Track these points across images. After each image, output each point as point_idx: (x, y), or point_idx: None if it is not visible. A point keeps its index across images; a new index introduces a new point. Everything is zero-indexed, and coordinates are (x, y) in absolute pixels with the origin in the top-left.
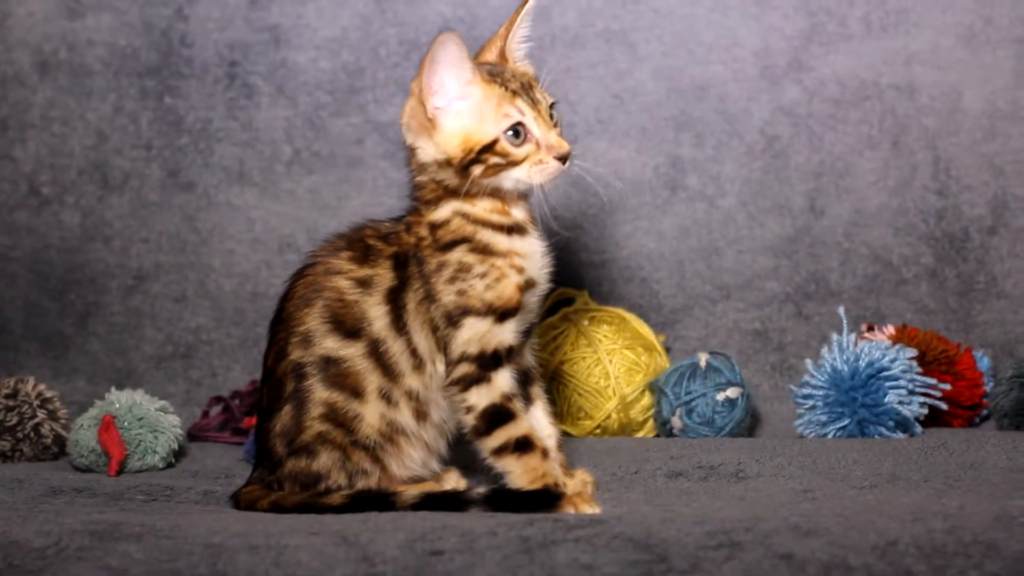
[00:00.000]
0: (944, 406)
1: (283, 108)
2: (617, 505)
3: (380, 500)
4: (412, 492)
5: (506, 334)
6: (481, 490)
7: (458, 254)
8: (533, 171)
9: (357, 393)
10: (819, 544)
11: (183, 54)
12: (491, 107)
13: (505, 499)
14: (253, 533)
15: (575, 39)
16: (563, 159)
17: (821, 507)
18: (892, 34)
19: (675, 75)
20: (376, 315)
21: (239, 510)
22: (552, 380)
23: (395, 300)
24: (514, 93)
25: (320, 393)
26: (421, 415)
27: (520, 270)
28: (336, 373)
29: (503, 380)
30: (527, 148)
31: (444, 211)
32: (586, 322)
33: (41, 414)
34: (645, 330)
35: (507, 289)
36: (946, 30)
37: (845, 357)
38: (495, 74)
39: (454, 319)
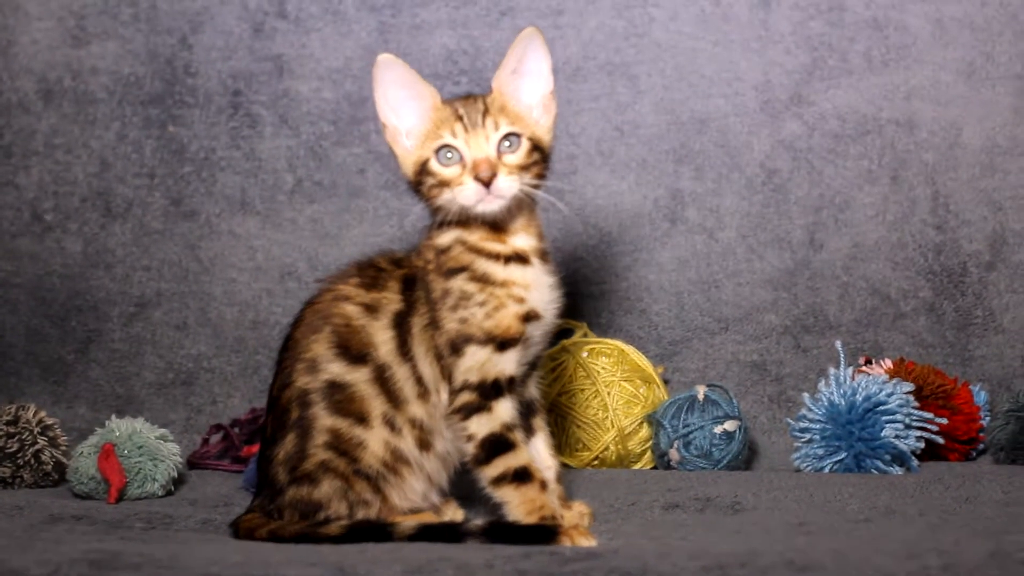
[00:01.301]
0: (941, 440)
1: (286, 137)
2: (614, 538)
3: (378, 531)
4: (409, 523)
5: (507, 364)
6: (479, 522)
7: (459, 282)
8: (457, 192)
9: (362, 419)
10: None
11: (187, 83)
12: (430, 131)
13: (502, 532)
14: (251, 563)
15: (577, 72)
16: (483, 181)
17: (816, 541)
18: (893, 69)
19: (676, 108)
20: (382, 339)
21: (238, 538)
22: (551, 411)
23: (401, 324)
24: (457, 118)
25: (325, 420)
26: (425, 444)
27: (520, 300)
28: (341, 399)
29: (504, 410)
30: (453, 170)
31: (447, 237)
32: (585, 354)
33: (42, 441)
34: (644, 362)
35: (505, 318)
36: (946, 66)
37: (842, 391)
38: (450, 101)
39: (457, 347)
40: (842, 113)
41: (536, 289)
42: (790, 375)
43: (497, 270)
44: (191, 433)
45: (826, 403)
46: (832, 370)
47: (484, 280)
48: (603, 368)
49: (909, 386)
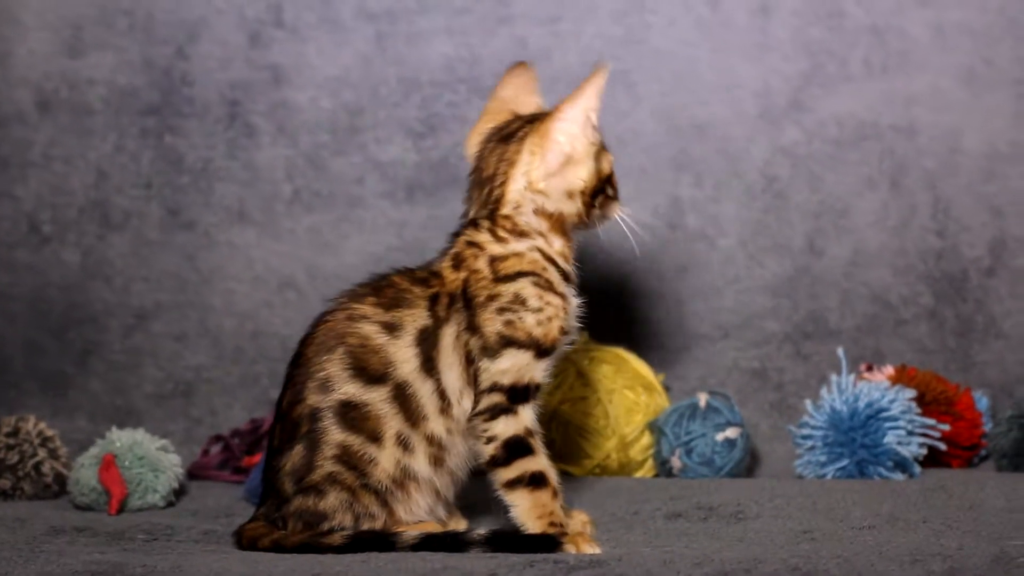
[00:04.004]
0: (943, 446)
1: (283, 147)
2: (617, 546)
3: (381, 540)
4: (412, 532)
5: (539, 371)
6: (481, 531)
7: (518, 285)
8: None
9: (375, 438)
10: None
11: (184, 93)
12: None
13: (506, 540)
14: (254, 574)
15: (576, 80)
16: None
17: (820, 548)
18: (892, 75)
19: (675, 115)
20: (405, 358)
21: (241, 547)
22: (551, 420)
23: (427, 340)
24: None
25: (335, 435)
26: (437, 461)
27: (566, 314)
28: (354, 417)
29: (528, 415)
30: None
31: (521, 245)
32: (586, 362)
33: (42, 453)
34: (645, 370)
35: (553, 329)
36: (946, 71)
37: (844, 398)
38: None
39: (494, 349)
40: (842, 119)
41: (571, 307)
42: (791, 382)
43: (560, 282)
44: (191, 444)
45: (828, 410)
46: (834, 377)
47: (548, 288)
48: (604, 376)
49: (911, 392)
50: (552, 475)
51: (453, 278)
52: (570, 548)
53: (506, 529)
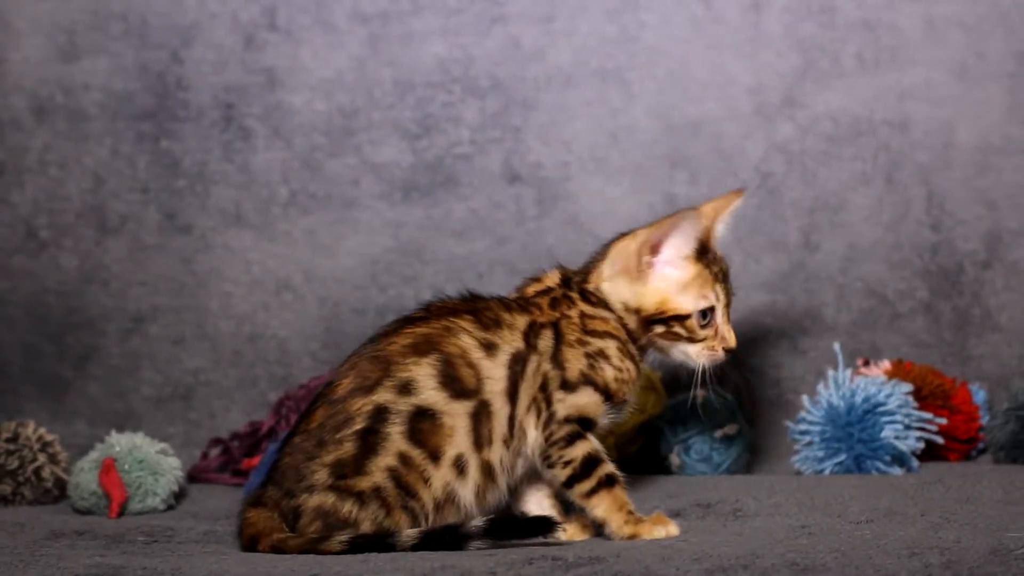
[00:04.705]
0: (940, 440)
1: (279, 150)
2: (615, 543)
3: (379, 543)
4: (411, 532)
5: (602, 413)
6: (479, 522)
7: (604, 343)
8: (703, 352)
9: (435, 456)
10: None
11: (179, 97)
12: (696, 286)
13: (504, 527)
14: (254, 575)
15: (569, 78)
16: (728, 351)
17: (818, 543)
18: (885, 70)
19: (669, 113)
20: (496, 377)
21: (241, 538)
22: None
23: (516, 364)
24: (715, 278)
25: (399, 443)
26: (480, 494)
27: (634, 386)
28: (424, 428)
29: (593, 438)
30: (707, 331)
31: (606, 313)
32: None
33: (42, 457)
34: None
35: (623, 389)
36: (939, 66)
37: (841, 393)
38: (705, 255)
39: (573, 384)
40: (835, 115)
41: (632, 393)
42: (788, 378)
43: (637, 358)
44: (190, 447)
45: (825, 405)
46: (830, 372)
47: (628, 355)
48: None
49: (908, 386)
50: (618, 474)
51: (549, 314)
52: (560, 535)
53: (501, 517)
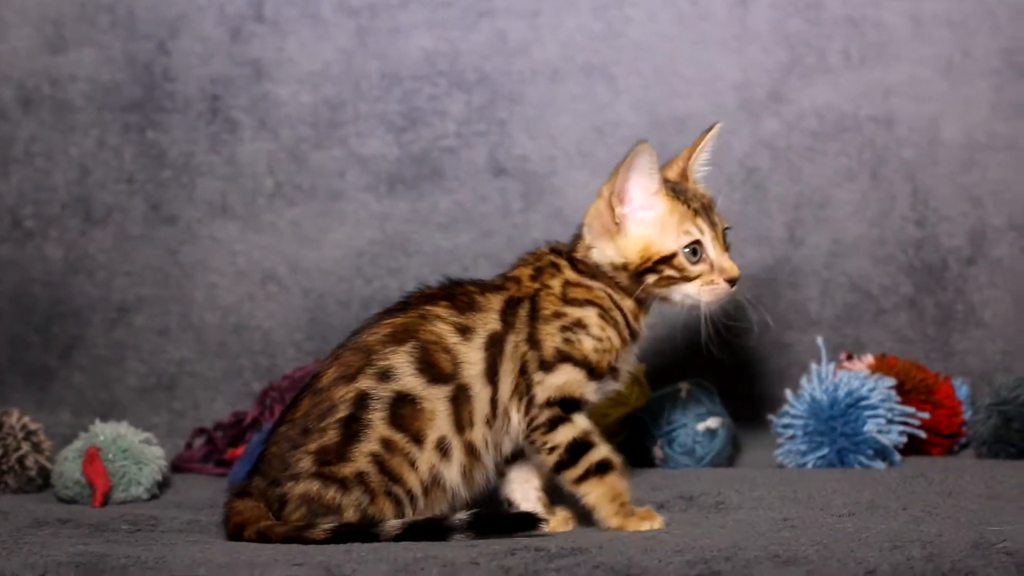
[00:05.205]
0: (923, 434)
1: (265, 141)
2: (598, 534)
3: (363, 533)
4: (395, 523)
5: (590, 390)
6: (463, 516)
7: (583, 311)
8: (703, 289)
9: (418, 439)
10: (798, 572)
11: (165, 88)
12: (673, 222)
13: (488, 522)
14: (237, 564)
15: (556, 73)
16: (732, 282)
17: (800, 536)
18: (871, 66)
19: (655, 108)
20: (473, 360)
21: (227, 526)
22: None
23: (494, 345)
24: (695, 212)
25: (381, 429)
26: (467, 474)
27: (618, 356)
28: (405, 413)
29: (582, 419)
30: (701, 267)
31: (593, 283)
32: None
33: (26, 446)
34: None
35: (605, 359)
36: (924, 62)
37: (824, 387)
38: (678, 191)
39: (549, 364)
40: (820, 111)
41: (624, 361)
42: (772, 371)
43: (624, 328)
44: (174, 437)
45: (808, 399)
46: (814, 366)
47: (611, 321)
48: None
49: (891, 381)
50: (615, 458)
51: (528, 286)
52: (544, 527)
53: (485, 512)
